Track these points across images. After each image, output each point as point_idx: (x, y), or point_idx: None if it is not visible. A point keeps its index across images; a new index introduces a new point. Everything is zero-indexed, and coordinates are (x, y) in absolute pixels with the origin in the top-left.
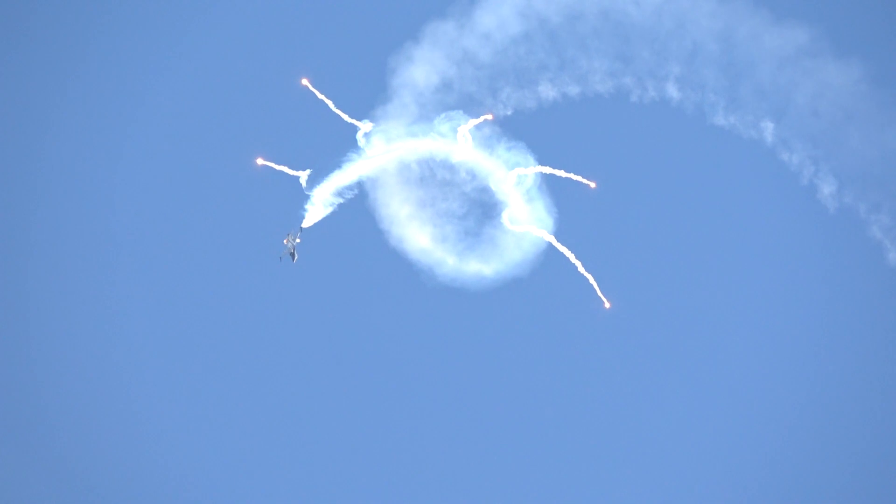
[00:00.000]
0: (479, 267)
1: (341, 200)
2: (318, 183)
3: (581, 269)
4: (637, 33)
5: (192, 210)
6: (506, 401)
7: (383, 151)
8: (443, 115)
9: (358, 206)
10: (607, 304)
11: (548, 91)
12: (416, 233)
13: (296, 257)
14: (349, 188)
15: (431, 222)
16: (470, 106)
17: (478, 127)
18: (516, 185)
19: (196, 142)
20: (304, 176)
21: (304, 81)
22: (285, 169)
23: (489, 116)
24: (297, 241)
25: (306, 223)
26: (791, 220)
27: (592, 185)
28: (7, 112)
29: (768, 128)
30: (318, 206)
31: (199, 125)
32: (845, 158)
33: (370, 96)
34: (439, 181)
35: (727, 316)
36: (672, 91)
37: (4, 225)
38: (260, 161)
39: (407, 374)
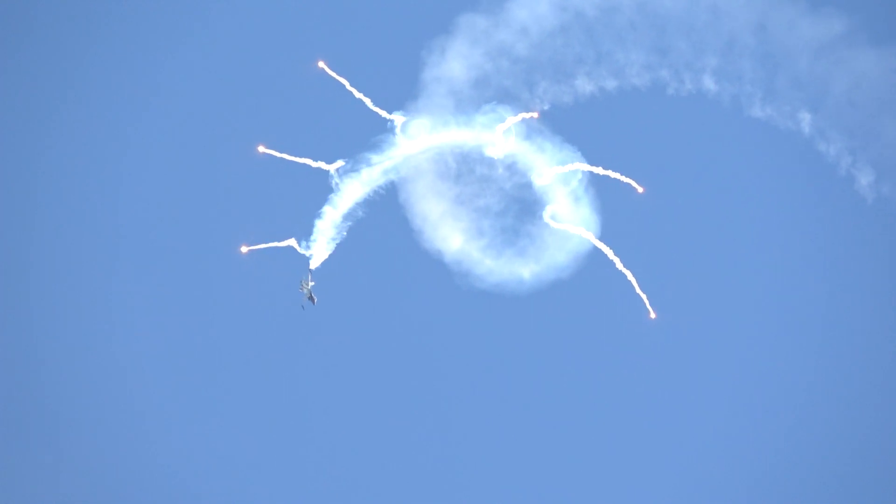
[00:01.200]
0: (518, 269)
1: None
2: (349, 175)
3: (629, 276)
4: (673, 25)
5: (214, 203)
6: (540, 410)
7: (419, 143)
8: (484, 108)
9: (389, 204)
10: (653, 315)
11: (584, 85)
12: (450, 232)
13: (315, 299)
14: (377, 190)
15: (467, 221)
16: (506, 100)
17: (519, 122)
18: (559, 181)
19: (219, 137)
20: (334, 168)
21: (321, 64)
22: (322, 165)
23: (535, 115)
24: (312, 283)
25: (314, 264)
26: (828, 211)
27: (640, 189)
28: (16, 84)
29: (805, 119)
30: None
31: (223, 121)
32: (883, 149)
33: (403, 90)
34: (477, 177)
35: (768, 313)
36: (709, 83)
37: (13, 198)
38: (261, 149)
39: (439, 381)
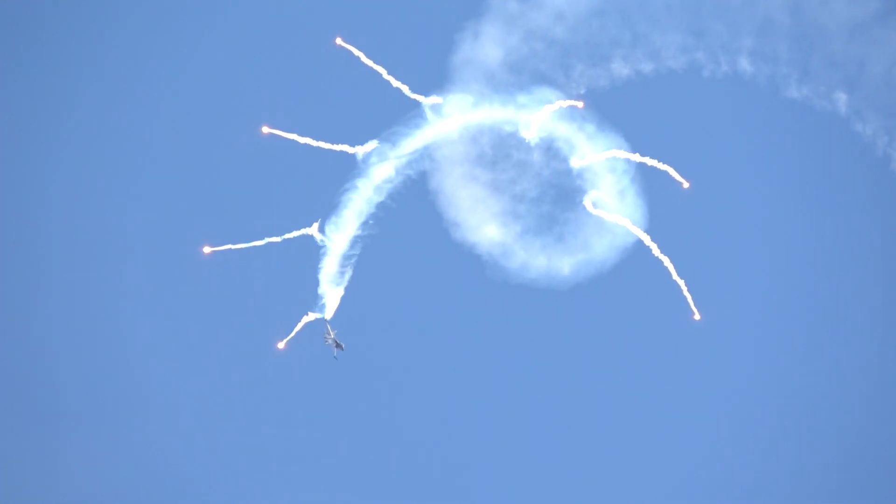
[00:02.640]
0: (556, 261)
1: (351, 269)
2: (384, 157)
3: (672, 273)
4: (708, 6)
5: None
6: (573, 410)
7: (454, 123)
8: (523, 92)
9: (419, 193)
10: (697, 316)
11: (621, 68)
12: (484, 222)
13: (342, 346)
14: (407, 176)
15: (503, 208)
16: (543, 83)
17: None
18: (599, 168)
19: (243, 119)
20: (367, 149)
21: (338, 41)
22: (345, 148)
23: (580, 104)
24: (334, 332)
25: (328, 315)
26: (865, 191)
27: (686, 184)
28: (17, 62)
29: (841, 99)
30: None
31: (255, 105)
32: None
33: (436, 74)
34: (513, 162)
35: (807, 302)
36: (745, 65)
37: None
38: (265, 130)
39: (470, 378)
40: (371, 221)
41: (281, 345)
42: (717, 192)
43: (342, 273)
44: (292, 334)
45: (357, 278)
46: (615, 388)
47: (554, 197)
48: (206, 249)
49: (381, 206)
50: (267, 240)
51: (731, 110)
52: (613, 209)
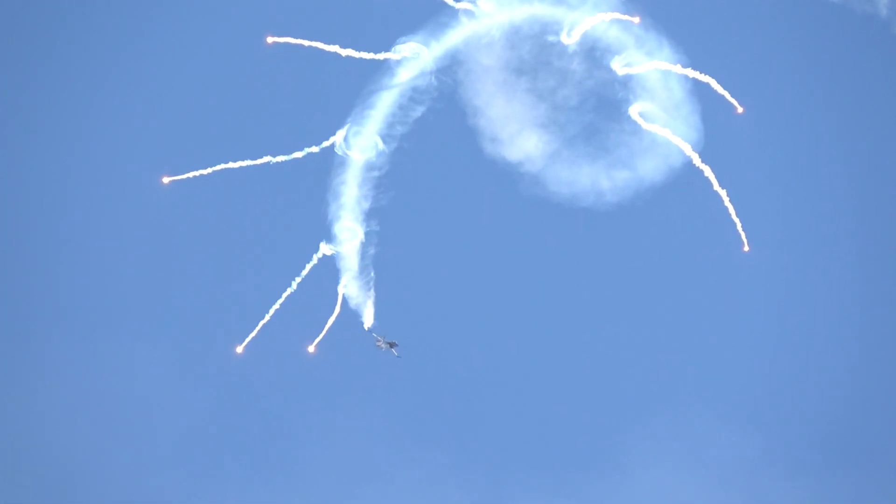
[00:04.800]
0: (596, 178)
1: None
2: (414, 64)
3: (725, 201)
4: None
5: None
6: (610, 335)
7: (496, 20)
8: None
9: (450, 102)
10: (746, 248)
11: None
12: (520, 133)
13: (395, 343)
14: (438, 79)
15: (540, 119)
16: None
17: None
18: (652, 81)
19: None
20: (398, 56)
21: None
22: (363, 55)
23: (636, 20)
24: (382, 336)
25: (367, 325)
26: None
27: (740, 109)
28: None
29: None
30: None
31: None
32: None
33: None
34: (554, 69)
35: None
36: None
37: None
38: (270, 39)
39: (502, 300)
40: (394, 138)
41: (311, 348)
42: (772, 119)
43: (365, 198)
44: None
45: (382, 200)
46: (654, 316)
47: (597, 105)
48: (165, 179)
49: (408, 117)
50: (302, 151)
51: (795, 32)
52: (664, 123)
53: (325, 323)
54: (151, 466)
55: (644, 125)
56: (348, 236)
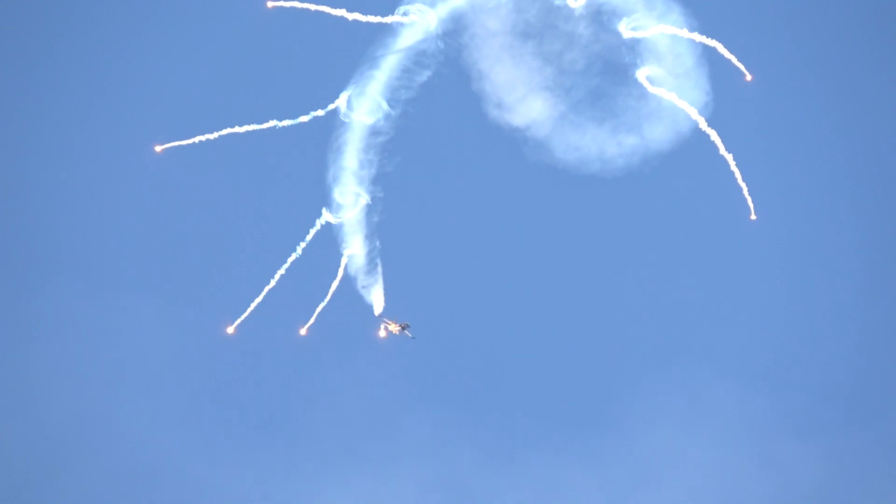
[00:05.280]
0: (603, 143)
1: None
2: (417, 27)
3: (732, 166)
4: None
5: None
6: (617, 302)
7: None
8: None
9: (454, 65)
10: (753, 216)
11: None
12: (525, 96)
13: (408, 324)
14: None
15: (546, 82)
16: None
17: None
18: (660, 45)
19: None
20: (407, 17)
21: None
22: (378, 19)
23: None
24: (392, 321)
25: (377, 311)
26: None
27: (749, 76)
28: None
29: None
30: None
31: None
32: None
33: None
34: (560, 32)
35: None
36: None
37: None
38: (270, 4)
39: (508, 266)
40: (399, 103)
41: (303, 331)
42: (780, 87)
43: (367, 164)
44: (312, 320)
45: (387, 166)
46: (662, 279)
47: (602, 69)
48: (157, 148)
49: (414, 82)
50: (308, 115)
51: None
52: (671, 88)
53: (328, 289)
54: (160, 422)
55: (651, 89)
56: (352, 202)
